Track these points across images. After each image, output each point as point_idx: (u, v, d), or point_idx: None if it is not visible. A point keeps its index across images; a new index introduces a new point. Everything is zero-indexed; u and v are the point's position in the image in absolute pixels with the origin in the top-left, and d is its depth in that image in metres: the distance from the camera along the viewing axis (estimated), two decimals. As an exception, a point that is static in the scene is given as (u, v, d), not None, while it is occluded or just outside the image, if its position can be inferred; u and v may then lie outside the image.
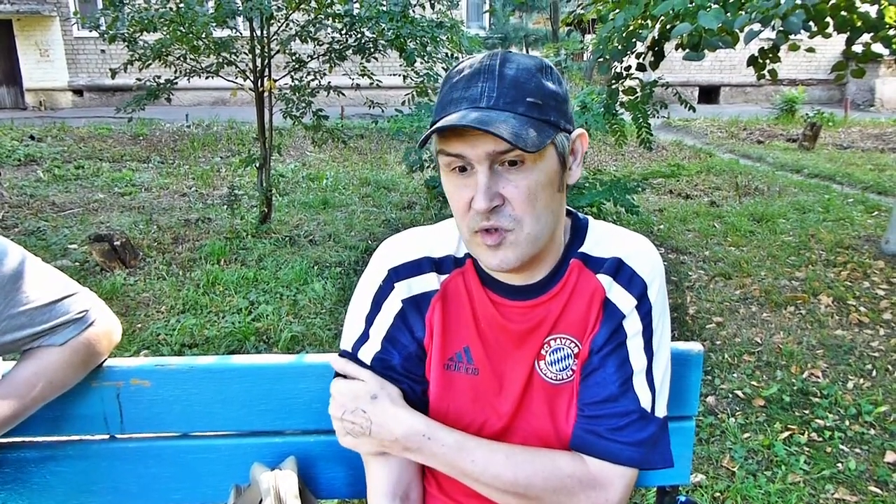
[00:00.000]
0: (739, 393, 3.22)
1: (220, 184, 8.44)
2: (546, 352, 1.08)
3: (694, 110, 4.65)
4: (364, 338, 1.09)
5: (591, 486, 1.03)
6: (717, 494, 2.51)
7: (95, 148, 11.01)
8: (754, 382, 3.34)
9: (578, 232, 1.11)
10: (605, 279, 1.07)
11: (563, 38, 7.14)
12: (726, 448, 2.79)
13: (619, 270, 1.07)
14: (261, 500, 1.22)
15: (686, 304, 4.32)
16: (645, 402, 1.07)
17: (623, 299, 1.07)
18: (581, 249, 1.09)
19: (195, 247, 5.61)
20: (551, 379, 1.08)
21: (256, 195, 6.53)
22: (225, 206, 6.73)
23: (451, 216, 1.05)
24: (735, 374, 3.41)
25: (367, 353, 1.09)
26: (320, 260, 5.27)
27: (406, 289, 1.08)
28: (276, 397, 1.37)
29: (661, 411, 1.09)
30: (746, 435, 2.89)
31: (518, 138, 0.88)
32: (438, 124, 0.91)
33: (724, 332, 3.92)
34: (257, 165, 6.15)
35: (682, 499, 1.47)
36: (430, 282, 1.09)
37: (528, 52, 8.54)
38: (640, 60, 3.86)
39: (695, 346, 1.40)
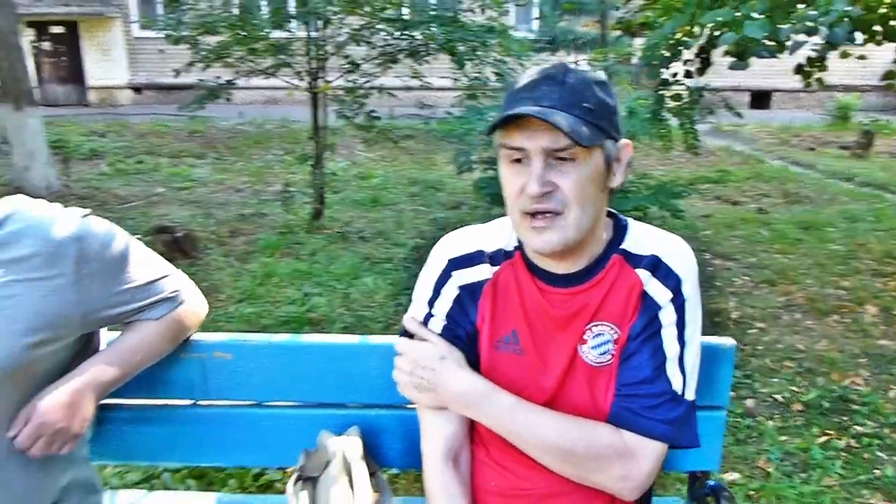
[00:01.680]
0: (779, 397, 3.27)
1: (272, 180, 8.71)
2: (588, 337, 1.20)
3: (740, 116, 4.68)
4: (429, 316, 1.23)
5: (625, 456, 1.15)
6: (751, 492, 2.58)
7: (154, 144, 11.44)
8: (794, 388, 3.38)
9: (620, 231, 1.23)
10: (643, 274, 1.19)
11: (613, 42, 7.19)
12: (763, 449, 2.85)
13: (657, 267, 1.19)
14: (328, 463, 1.37)
15: (729, 308, 4.37)
16: (676, 386, 1.18)
17: (659, 292, 1.19)
18: (622, 246, 1.21)
19: (251, 240, 5.85)
20: (592, 361, 1.20)
21: (309, 192, 6.75)
22: (278, 202, 6.96)
23: (499, 216, 1.18)
24: (775, 379, 3.46)
25: (434, 327, 1.23)
26: (371, 256, 5.45)
27: (462, 277, 1.23)
28: (342, 373, 1.52)
29: (690, 395, 1.20)
30: (784, 438, 2.95)
31: (574, 132, 1.02)
32: (505, 114, 1.05)
33: (766, 337, 3.96)
34: (310, 163, 6.36)
35: (712, 483, 1.57)
36: (483, 272, 1.22)
37: (575, 55, 8.61)
38: (687, 67, 3.93)
39: (727, 342, 1.51)
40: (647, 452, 1.16)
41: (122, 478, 2.52)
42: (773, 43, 2.83)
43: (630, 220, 1.26)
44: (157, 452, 1.60)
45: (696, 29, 3.47)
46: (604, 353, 1.20)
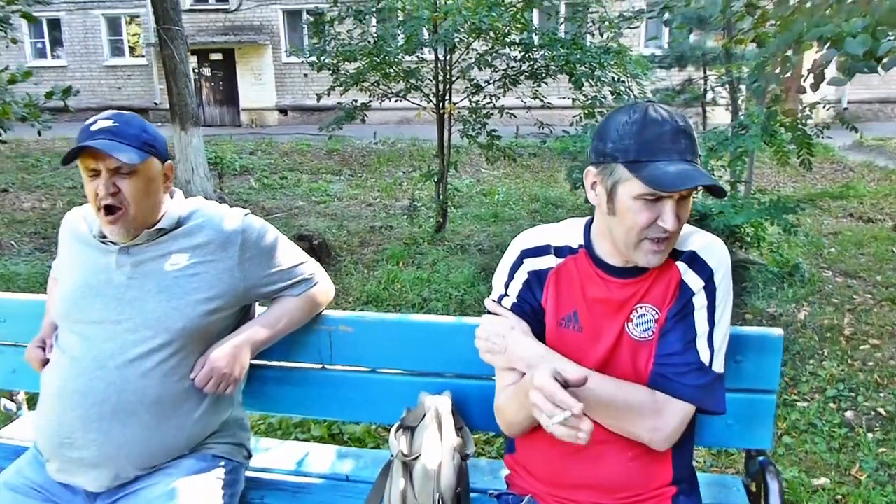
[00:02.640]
0: (882, 411, 3.27)
1: (401, 196, 9.28)
2: (634, 316, 1.45)
3: (856, 131, 4.60)
4: (503, 295, 1.53)
5: (655, 413, 1.39)
6: (839, 497, 2.65)
7: (296, 161, 12.44)
8: (902, 404, 3.36)
9: None
10: (682, 266, 1.44)
11: (739, 57, 7.16)
12: (857, 458, 2.89)
13: (694, 260, 1.43)
14: (424, 416, 1.70)
15: (843, 325, 4.32)
16: (704, 358, 1.41)
17: (694, 281, 1.43)
18: None
19: (378, 250, 6.36)
20: (636, 337, 1.45)
21: (433, 206, 7.20)
22: (405, 216, 7.47)
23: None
24: (882, 394, 3.44)
25: (507, 303, 1.53)
26: (487, 267, 5.78)
27: (532, 265, 1.52)
28: (440, 347, 1.85)
29: (717, 368, 1.42)
30: (882, 450, 2.97)
31: (717, 183, 1.29)
32: (671, 175, 1.25)
33: (878, 354, 3.90)
34: (435, 180, 6.81)
35: (762, 459, 1.75)
36: (549, 262, 1.51)
37: (705, 71, 8.60)
38: (802, 83, 3.96)
39: (775, 331, 1.70)
40: (674, 410, 1.39)
41: (261, 428, 2.98)
42: (872, 59, 2.88)
43: None
44: (292, 406, 2.00)
45: (804, 45, 3.52)
46: (646, 330, 1.45)
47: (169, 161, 1.72)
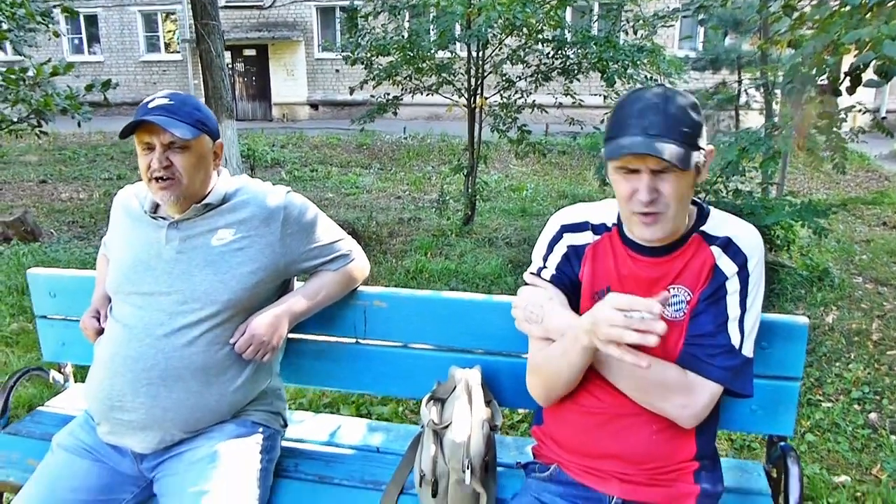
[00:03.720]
0: (908, 414, 3.26)
1: (430, 189, 9.36)
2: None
3: (892, 136, 4.55)
4: (542, 268, 1.59)
5: (686, 390, 1.43)
6: (858, 494, 2.66)
7: (326, 155, 12.58)
8: (929, 409, 3.34)
9: (702, 216, 1.52)
10: (716, 251, 1.47)
11: (776, 60, 7.11)
12: (879, 458, 2.89)
13: (728, 246, 1.47)
14: (454, 388, 1.76)
15: (871, 330, 4.29)
16: (735, 342, 1.45)
17: (728, 266, 1.46)
18: (702, 228, 1.50)
19: (407, 241, 6.44)
20: (667, 316, 1.49)
21: (462, 200, 7.26)
22: (434, 209, 7.54)
23: None
24: (908, 398, 3.43)
25: (546, 275, 1.58)
26: (514, 259, 5.83)
27: (571, 239, 1.57)
28: (470, 324, 1.91)
29: (747, 352, 1.46)
30: (906, 451, 2.97)
31: (678, 160, 1.32)
32: (624, 147, 1.33)
33: (906, 358, 3.88)
34: (465, 173, 6.87)
35: (783, 445, 1.79)
36: (586, 237, 1.57)
37: (739, 74, 8.57)
38: (837, 86, 3.94)
39: (801, 319, 1.73)
40: (704, 390, 1.44)
41: (291, 407, 3.06)
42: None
43: (712, 209, 1.55)
44: (326, 379, 2.07)
45: (839, 48, 3.51)
46: (678, 311, 1.49)
47: (220, 140, 1.79)
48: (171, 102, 1.67)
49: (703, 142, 1.40)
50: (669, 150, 1.32)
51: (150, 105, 1.66)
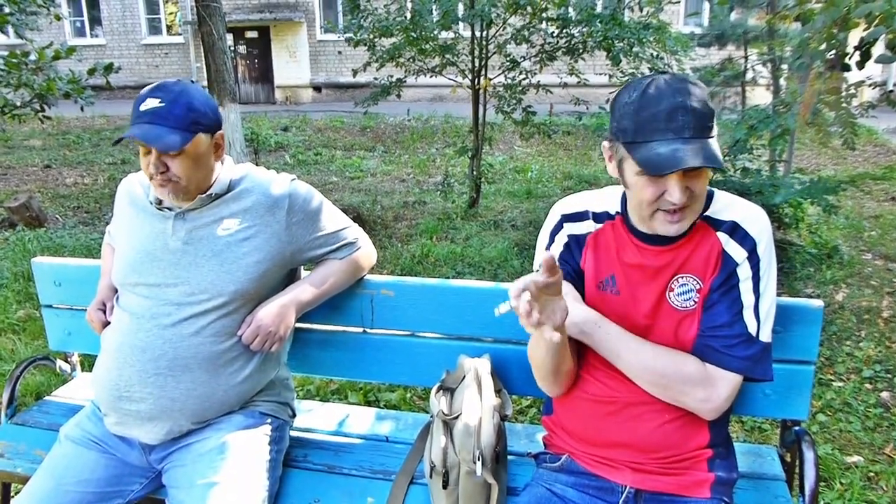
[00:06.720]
0: (921, 392, 3.24)
1: (434, 172, 9.30)
2: (674, 286, 1.46)
3: (903, 111, 4.48)
4: None
5: (706, 383, 1.41)
6: (872, 474, 2.64)
7: (330, 138, 12.51)
8: (942, 387, 3.32)
9: (706, 200, 1.48)
10: (722, 236, 1.44)
11: (783, 34, 7.01)
12: (891, 438, 2.88)
13: (735, 230, 1.44)
14: (463, 378, 1.74)
15: (881, 308, 4.26)
16: (752, 329, 1.42)
17: (737, 252, 1.43)
18: (706, 213, 1.46)
19: (412, 224, 6.41)
20: (678, 306, 1.46)
21: (467, 182, 7.21)
22: (438, 192, 7.49)
23: None
24: (921, 377, 3.40)
25: None
26: (520, 242, 5.79)
27: (571, 229, 1.54)
28: (478, 312, 1.88)
29: (765, 337, 1.43)
30: (919, 430, 2.95)
31: (720, 161, 1.26)
32: (678, 160, 1.24)
33: (918, 336, 3.85)
34: (469, 156, 6.81)
35: (798, 429, 1.76)
36: (587, 226, 1.53)
37: (746, 49, 8.41)
38: (846, 61, 3.88)
39: (815, 303, 1.70)
40: (725, 381, 1.41)
41: (300, 395, 3.06)
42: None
43: (716, 191, 1.51)
44: (334, 368, 2.06)
45: (849, 22, 3.44)
46: (688, 300, 1.46)
47: (220, 131, 1.75)
48: (162, 105, 1.61)
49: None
50: (712, 151, 1.27)
51: (141, 108, 1.61)
